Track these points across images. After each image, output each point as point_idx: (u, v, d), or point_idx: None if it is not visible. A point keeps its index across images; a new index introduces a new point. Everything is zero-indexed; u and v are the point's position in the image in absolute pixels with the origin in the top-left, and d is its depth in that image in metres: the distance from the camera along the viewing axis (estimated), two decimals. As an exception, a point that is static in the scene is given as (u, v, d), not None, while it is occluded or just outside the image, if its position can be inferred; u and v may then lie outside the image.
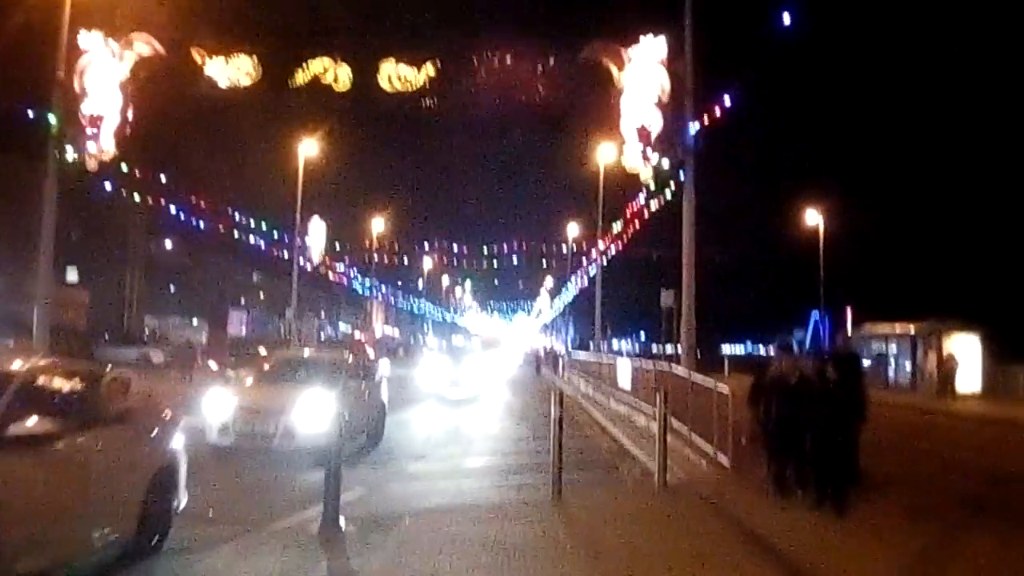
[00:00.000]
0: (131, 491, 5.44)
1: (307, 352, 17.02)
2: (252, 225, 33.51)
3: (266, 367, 13.31)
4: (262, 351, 29.90)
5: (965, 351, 24.97)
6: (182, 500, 6.27)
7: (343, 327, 70.76)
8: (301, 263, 35.03)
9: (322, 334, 64.22)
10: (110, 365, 6.73)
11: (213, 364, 26.60)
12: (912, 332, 27.25)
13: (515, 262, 51.46)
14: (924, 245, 40.01)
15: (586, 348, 40.80)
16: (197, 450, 8.99)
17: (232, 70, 16.87)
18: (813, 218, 37.16)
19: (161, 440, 6.14)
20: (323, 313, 72.53)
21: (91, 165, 16.75)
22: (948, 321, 26.11)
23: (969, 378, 24.59)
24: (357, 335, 53.34)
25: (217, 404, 10.60)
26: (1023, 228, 33.47)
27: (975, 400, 23.21)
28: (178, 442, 6.37)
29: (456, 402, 20.88)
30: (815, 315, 38.35)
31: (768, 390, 8.05)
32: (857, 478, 7.73)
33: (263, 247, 35.82)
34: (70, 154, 16.52)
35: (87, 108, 16.62)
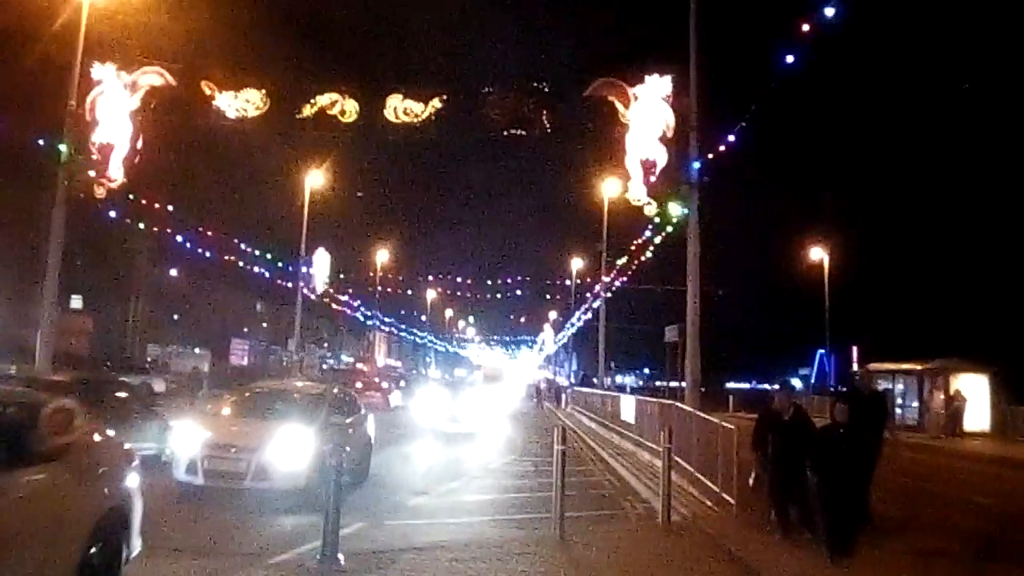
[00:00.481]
0: (67, 539, 4.67)
1: (286, 384, 15.51)
2: (257, 255, 33.63)
3: (241, 399, 11.92)
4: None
5: (973, 391, 24.69)
6: (134, 548, 5.44)
7: (346, 358, 70.58)
8: (305, 293, 35.08)
9: (324, 364, 64.00)
10: (63, 398, 5.58)
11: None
12: (919, 369, 26.98)
13: (519, 294, 51.53)
14: (931, 284, 39.95)
15: (589, 382, 40.52)
16: (166, 488, 8.88)
17: (241, 103, 17.12)
18: (818, 255, 37.24)
19: (110, 480, 5.31)
20: (326, 344, 72.37)
21: (99, 193, 16.92)
22: (956, 361, 25.82)
23: (978, 417, 24.30)
24: (359, 366, 53.15)
25: (186, 438, 9.79)
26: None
27: (983, 439, 22.91)
28: (132, 481, 5.54)
29: (457, 436, 20.58)
30: (821, 354, 38.18)
31: (768, 429, 7.97)
32: (867, 520, 7.58)
33: (267, 277, 35.91)
34: (79, 182, 16.69)
35: (97, 137, 16.84)
